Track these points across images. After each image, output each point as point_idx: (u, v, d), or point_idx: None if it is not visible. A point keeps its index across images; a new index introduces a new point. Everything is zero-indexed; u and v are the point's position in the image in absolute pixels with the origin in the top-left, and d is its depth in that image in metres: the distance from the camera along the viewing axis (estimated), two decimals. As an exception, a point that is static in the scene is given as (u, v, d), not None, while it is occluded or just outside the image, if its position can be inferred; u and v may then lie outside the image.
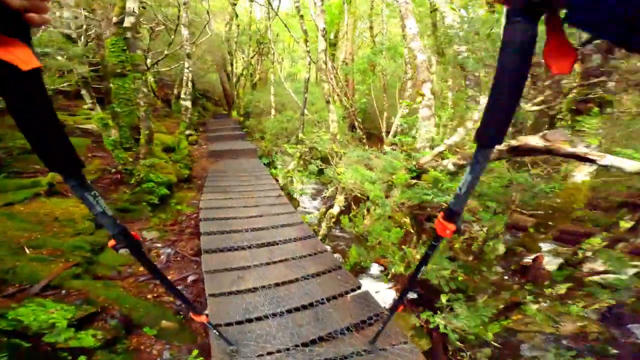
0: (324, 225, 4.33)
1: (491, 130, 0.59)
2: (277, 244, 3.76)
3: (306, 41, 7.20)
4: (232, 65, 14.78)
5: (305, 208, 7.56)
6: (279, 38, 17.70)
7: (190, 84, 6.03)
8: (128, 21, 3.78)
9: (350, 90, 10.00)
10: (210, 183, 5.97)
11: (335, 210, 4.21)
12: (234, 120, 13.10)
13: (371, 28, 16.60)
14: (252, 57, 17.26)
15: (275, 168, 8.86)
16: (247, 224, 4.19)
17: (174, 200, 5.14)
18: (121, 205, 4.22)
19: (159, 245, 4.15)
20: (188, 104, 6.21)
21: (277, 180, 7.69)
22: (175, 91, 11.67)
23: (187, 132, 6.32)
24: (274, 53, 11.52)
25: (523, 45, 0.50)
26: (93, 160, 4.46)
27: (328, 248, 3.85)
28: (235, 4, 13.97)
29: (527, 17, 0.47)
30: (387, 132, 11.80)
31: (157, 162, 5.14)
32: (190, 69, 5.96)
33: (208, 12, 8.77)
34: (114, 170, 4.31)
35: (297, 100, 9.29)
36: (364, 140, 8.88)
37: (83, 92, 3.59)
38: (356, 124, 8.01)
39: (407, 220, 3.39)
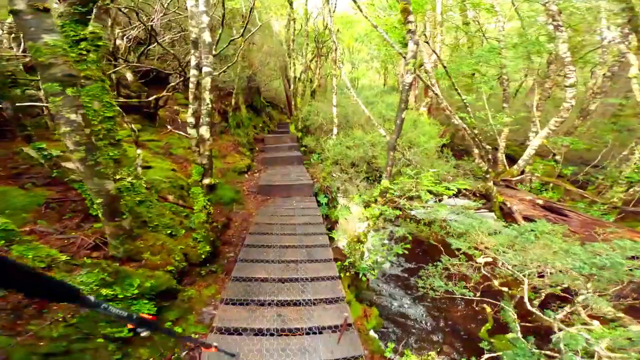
0: None
1: None
2: None
3: (407, 14, 4.07)
4: (291, 69, 12.74)
5: (379, 296, 4.64)
6: (339, 37, 14.82)
7: (208, 100, 3.76)
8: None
9: (445, 100, 6.71)
10: (238, 273, 3.70)
11: None
12: (291, 137, 11.29)
13: (467, 24, 12.51)
14: (310, 60, 15.07)
15: (334, 218, 6.16)
16: None
17: (173, 314, 2.98)
18: (47, 349, 2.11)
19: None
20: (204, 131, 3.78)
21: (332, 242, 5.03)
22: (233, 101, 9.93)
23: (207, 180, 4.04)
24: (336, 49, 8.70)
25: None
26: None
27: None
28: (292, 2, 11.84)
29: None
30: (508, 157, 7.92)
31: (147, 244, 3.04)
32: (210, 76, 3.68)
33: (252, 9, 6.48)
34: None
35: (369, 114, 6.50)
36: (487, 171, 5.53)
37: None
38: (477, 151, 4.83)
39: None
